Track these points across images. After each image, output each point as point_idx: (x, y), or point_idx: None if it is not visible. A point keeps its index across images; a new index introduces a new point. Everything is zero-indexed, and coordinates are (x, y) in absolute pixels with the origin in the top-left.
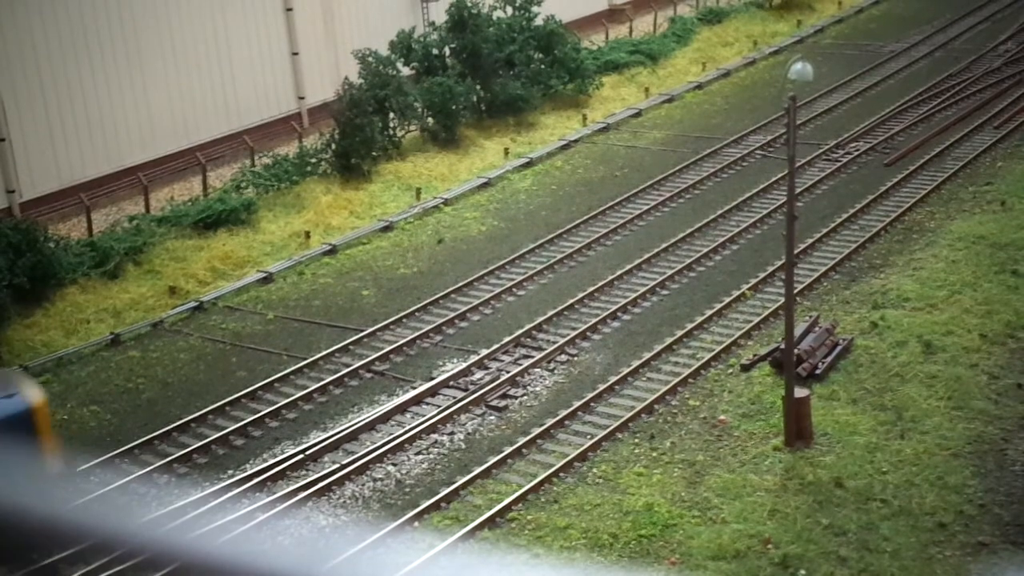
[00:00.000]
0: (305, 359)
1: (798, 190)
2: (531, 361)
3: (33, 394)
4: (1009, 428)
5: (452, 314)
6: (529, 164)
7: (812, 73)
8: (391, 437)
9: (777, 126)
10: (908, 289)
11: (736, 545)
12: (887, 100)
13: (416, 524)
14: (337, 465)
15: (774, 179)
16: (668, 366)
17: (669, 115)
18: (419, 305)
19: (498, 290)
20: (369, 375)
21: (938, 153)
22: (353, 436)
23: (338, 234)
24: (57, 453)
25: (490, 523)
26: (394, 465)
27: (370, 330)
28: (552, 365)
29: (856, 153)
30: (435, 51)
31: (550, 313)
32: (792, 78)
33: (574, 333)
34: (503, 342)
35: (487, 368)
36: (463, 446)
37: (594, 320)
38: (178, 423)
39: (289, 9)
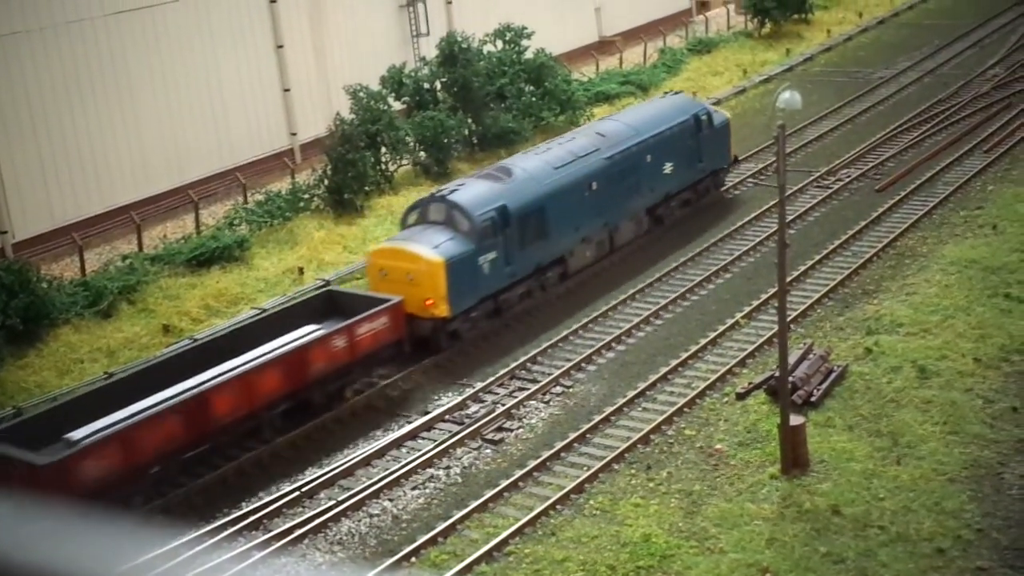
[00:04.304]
0: None
1: (790, 217)
2: (526, 393)
3: (726, 114)
4: (1005, 452)
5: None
6: None
7: (801, 101)
8: (387, 472)
9: (767, 154)
10: (901, 314)
11: (734, 575)
12: (877, 126)
13: (413, 559)
14: (333, 501)
15: (766, 207)
16: (663, 396)
17: None
18: None
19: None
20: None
21: (929, 178)
22: (349, 472)
23: (332, 269)
24: (732, 152)
25: (488, 557)
26: (390, 500)
27: None
28: (547, 397)
29: (847, 180)
30: (426, 85)
31: (544, 344)
32: (781, 107)
33: (569, 364)
34: (498, 375)
35: (482, 401)
36: (459, 480)
37: (588, 351)
38: None
39: (280, 46)
